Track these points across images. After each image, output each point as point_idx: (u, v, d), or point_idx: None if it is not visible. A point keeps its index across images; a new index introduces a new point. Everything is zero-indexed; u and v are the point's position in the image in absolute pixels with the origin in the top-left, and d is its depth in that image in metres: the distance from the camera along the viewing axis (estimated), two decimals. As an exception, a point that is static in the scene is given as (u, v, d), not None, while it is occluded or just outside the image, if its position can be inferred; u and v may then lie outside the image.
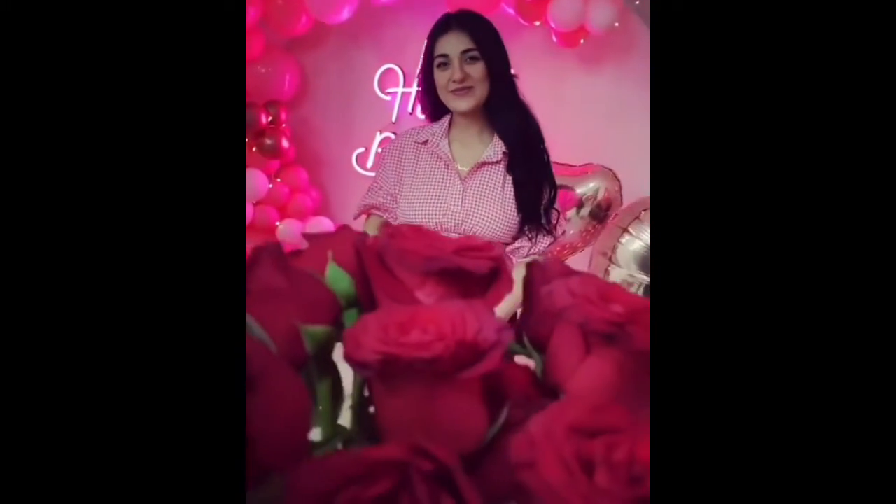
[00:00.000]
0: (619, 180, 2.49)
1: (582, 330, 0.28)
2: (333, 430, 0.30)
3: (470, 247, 0.31)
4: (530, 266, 0.34)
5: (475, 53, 1.40)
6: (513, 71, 1.50)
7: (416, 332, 0.27)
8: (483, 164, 1.45)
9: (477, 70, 1.41)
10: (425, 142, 1.51)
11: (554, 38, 2.79)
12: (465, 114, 1.45)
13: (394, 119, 3.19)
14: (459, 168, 1.46)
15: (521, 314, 0.34)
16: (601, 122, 2.87)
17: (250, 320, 0.27)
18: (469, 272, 0.30)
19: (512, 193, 1.42)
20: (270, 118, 3.11)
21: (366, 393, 0.31)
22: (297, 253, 0.33)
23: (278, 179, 3.27)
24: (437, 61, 1.44)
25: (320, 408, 0.30)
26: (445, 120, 1.52)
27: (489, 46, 1.42)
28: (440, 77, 1.43)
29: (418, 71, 1.58)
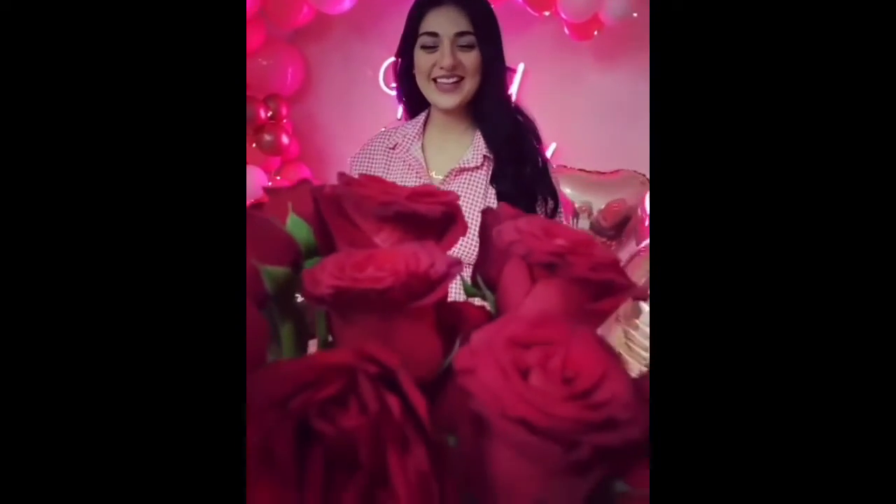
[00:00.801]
0: (646, 187, 2.27)
1: (526, 262, 0.30)
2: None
3: (423, 192, 0.33)
4: (484, 212, 0.36)
5: (471, 39, 1.17)
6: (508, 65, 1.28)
7: (371, 268, 0.28)
8: (461, 170, 1.21)
9: (470, 59, 1.18)
10: (395, 146, 1.29)
11: (565, 30, 2.58)
12: (447, 111, 1.22)
13: (399, 115, 3.02)
14: (433, 176, 1.24)
15: (476, 257, 0.36)
16: (618, 123, 2.66)
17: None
18: (422, 216, 0.32)
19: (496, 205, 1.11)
20: (270, 113, 3.00)
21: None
22: (258, 205, 0.34)
23: (278, 177, 3.13)
24: (421, 40, 1.19)
25: (284, 350, 0.32)
26: (421, 118, 1.31)
27: (488, 33, 1.20)
28: (423, 60, 1.19)
29: (397, 50, 1.27)
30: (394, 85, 3.00)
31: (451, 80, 1.18)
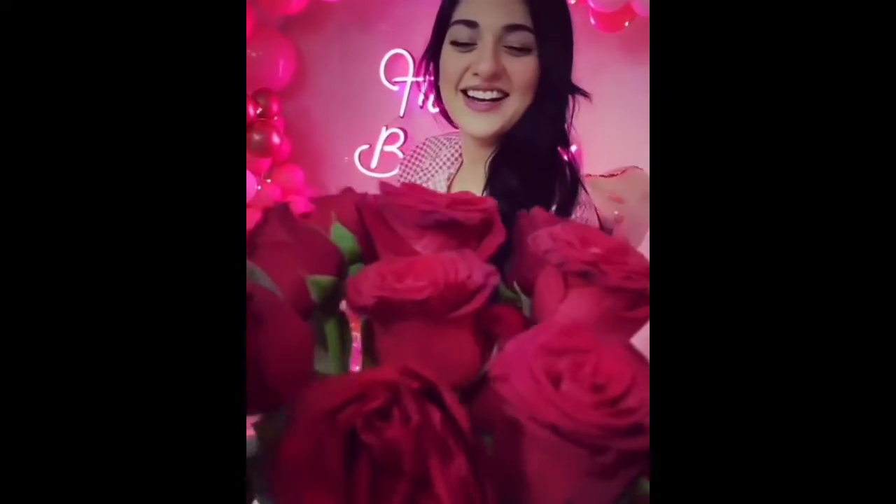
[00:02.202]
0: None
1: (561, 270, 0.31)
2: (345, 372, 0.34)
3: (462, 200, 0.35)
4: (520, 216, 0.38)
5: (526, 38, 0.82)
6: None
7: (411, 278, 0.30)
8: None
9: (522, 68, 0.82)
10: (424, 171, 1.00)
11: (592, 21, 2.35)
12: (479, 139, 0.87)
13: (401, 113, 2.83)
14: None
15: (512, 262, 0.37)
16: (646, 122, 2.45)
17: (259, 270, 0.31)
18: (461, 223, 0.34)
19: None
20: (260, 110, 2.73)
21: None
22: (305, 215, 0.37)
23: (268, 180, 2.88)
24: (452, 32, 0.84)
25: (330, 352, 0.34)
26: (456, 140, 0.97)
27: (554, 32, 0.84)
28: (451, 61, 0.84)
29: (426, 48, 0.92)
30: (398, 79, 2.78)
31: (488, 96, 0.82)
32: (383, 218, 0.35)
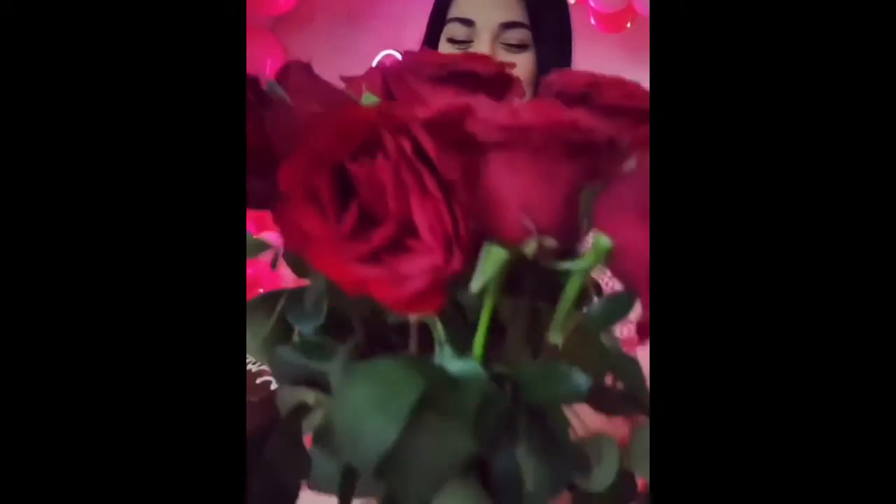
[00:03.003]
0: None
1: (561, 98, 0.34)
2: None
3: (479, 56, 0.38)
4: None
5: (523, 35, 0.84)
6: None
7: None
8: None
9: (520, 65, 0.83)
10: None
11: (592, 21, 2.30)
12: None
13: None
14: None
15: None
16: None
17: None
18: (477, 74, 0.37)
19: None
20: None
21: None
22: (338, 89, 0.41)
23: None
24: (449, 29, 0.85)
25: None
26: None
27: (552, 28, 0.88)
28: None
29: (420, 46, 0.94)
30: None
31: None
32: (404, 80, 0.39)
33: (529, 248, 0.28)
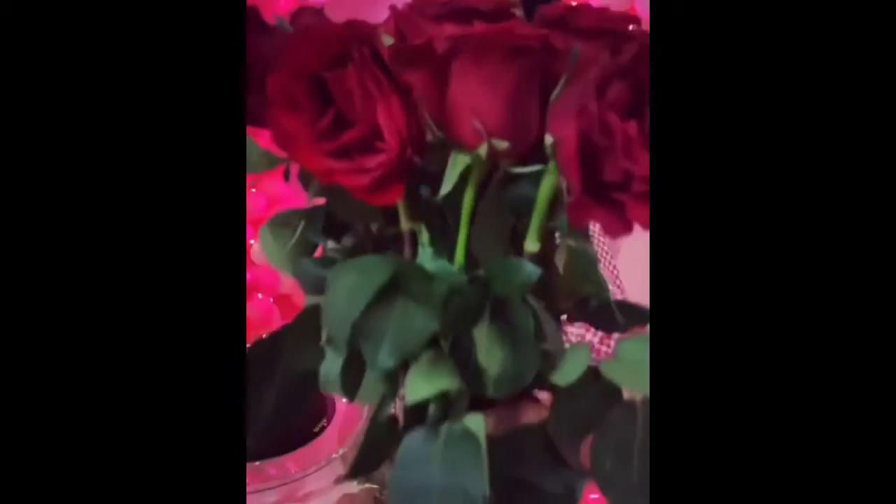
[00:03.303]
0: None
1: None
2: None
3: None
4: None
5: None
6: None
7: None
8: None
9: None
10: None
11: None
12: None
13: None
14: None
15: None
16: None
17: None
18: (478, 9, 0.41)
19: None
20: None
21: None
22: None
23: (253, 190, 2.68)
24: None
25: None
26: None
27: None
28: None
29: None
30: None
31: None
32: (412, 20, 0.43)
33: (482, 150, 0.32)
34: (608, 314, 0.40)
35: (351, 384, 0.38)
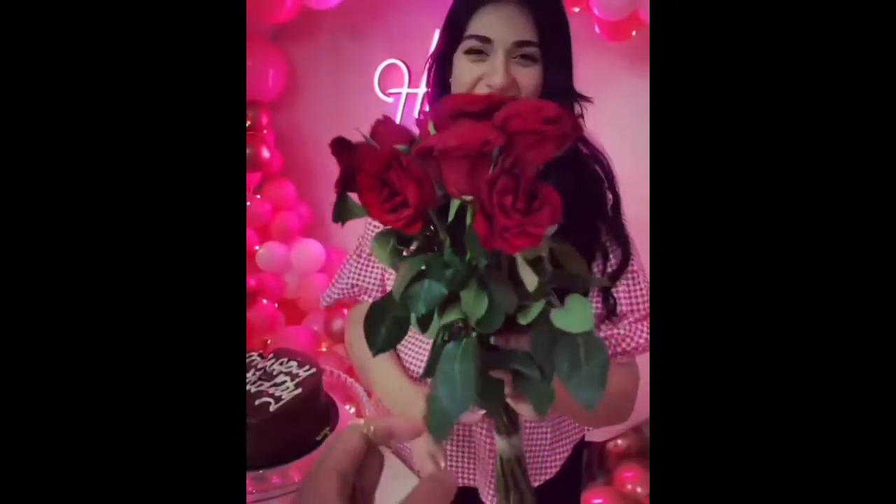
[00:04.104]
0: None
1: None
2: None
3: (471, 98, 0.73)
4: None
5: (533, 52, 0.98)
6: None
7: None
8: None
9: (528, 76, 0.98)
10: None
11: (597, 29, 2.33)
12: None
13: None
14: None
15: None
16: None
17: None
18: (475, 112, 0.72)
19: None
20: (248, 122, 2.69)
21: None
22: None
23: (258, 196, 2.77)
24: (466, 44, 0.99)
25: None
26: None
27: (557, 46, 1.00)
28: (466, 68, 0.99)
29: (429, 56, 1.07)
30: (393, 91, 2.59)
31: None
32: (440, 116, 0.75)
33: (463, 199, 0.64)
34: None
35: (423, 324, 0.73)
